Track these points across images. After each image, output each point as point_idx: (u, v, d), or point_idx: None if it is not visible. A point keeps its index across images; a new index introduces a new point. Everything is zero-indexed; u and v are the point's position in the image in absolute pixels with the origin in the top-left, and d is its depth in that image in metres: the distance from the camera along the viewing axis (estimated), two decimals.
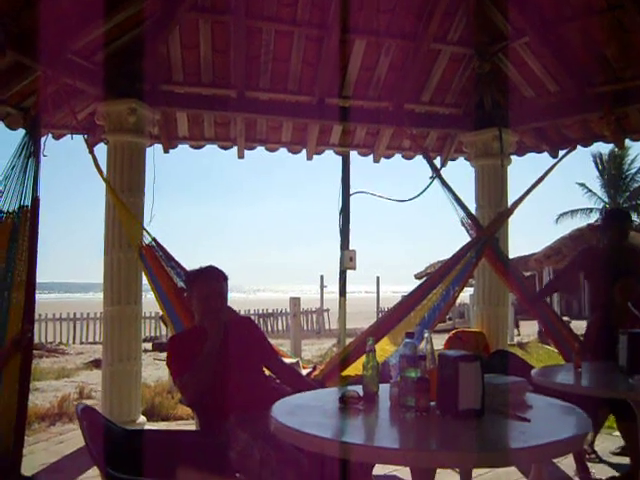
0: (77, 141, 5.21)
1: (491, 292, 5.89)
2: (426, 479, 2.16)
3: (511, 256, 6.02)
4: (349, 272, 6.80)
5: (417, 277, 22.90)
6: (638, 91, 5.25)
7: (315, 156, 6.67)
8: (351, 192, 6.48)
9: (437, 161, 6.64)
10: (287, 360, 3.98)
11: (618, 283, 4.12)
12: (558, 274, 4.91)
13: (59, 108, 4.91)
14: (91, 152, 4.71)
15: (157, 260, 4.58)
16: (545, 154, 6.47)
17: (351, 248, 6.71)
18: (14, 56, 4.15)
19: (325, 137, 6.55)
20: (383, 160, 6.86)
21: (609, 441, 4.51)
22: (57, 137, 5.67)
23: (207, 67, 5.56)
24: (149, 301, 5.55)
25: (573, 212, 27.42)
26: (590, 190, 27.65)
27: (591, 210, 27.19)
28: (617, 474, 3.97)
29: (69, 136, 5.32)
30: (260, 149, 6.54)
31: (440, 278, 5.12)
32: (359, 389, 2.41)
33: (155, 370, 9.25)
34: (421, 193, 5.65)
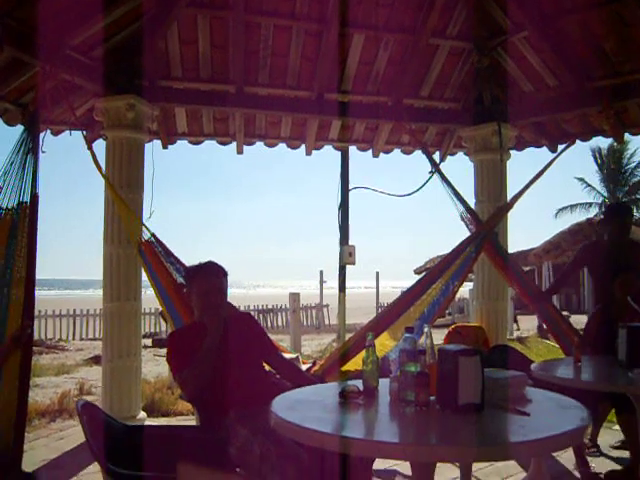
0: (76, 137, 5.24)
1: (490, 287, 5.89)
2: (426, 473, 2.16)
3: (510, 251, 6.02)
4: (348, 267, 6.81)
5: (416, 272, 22.91)
6: (637, 85, 5.24)
7: (314, 151, 6.67)
8: (350, 187, 6.48)
9: (436, 156, 6.64)
10: (287, 355, 3.99)
11: (618, 278, 4.13)
12: (564, 272, 4.89)
13: (57, 104, 4.89)
14: (90, 148, 4.70)
15: (156, 256, 4.57)
16: (544, 149, 6.47)
17: (350, 243, 6.72)
18: (12, 52, 4.14)
19: (324, 132, 6.55)
20: (382, 155, 6.87)
21: (609, 435, 4.52)
22: (56, 133, 5.68)
23: (206, 62, 5.55)
24: (149, 297, 5.56)
25: (572, 207, 27.46)
26: (589, 185, 27.70)
27: (590, 205, 27.24)
28: (617, 467, 3.98)
29: (68, 132, 5.32)
30: (259, 144, 6.55)
31: (439, 273, 5.12)
32: (359, 384, 2.41)
33: (155, 366, 9.25)
34: (420, 188, 5.64)
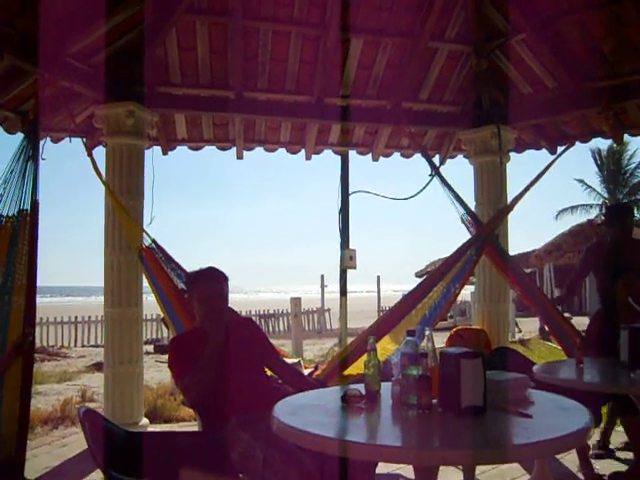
0: (76, 144, 5.26)
1: (492, 289, 5.89)
2: (429, 477, 2.16)
3: (511, 253, 6.02)
4: (350, 271, 6.80)
5: (418, 275, 22.90)
6: (636, 86, 5.24)
7: (314, 156, 6.67)
8: (350, 191, 6.47)
9: (436, 159, 6.65)
10: (289, 360, 3.98)
11: (620, 279, 4.12)
12: (578, 273, 4.77)
13: (57, 111, 4.91)
14: (90, 155, 4.72)
15: (157, 262, 4.58)
16: (544, 150, 6.47)
17: (351, 247, 6.71)
18: (12, 60, 4.15)
19: (324, 136, 6.55)
20: (382, 159, 6.87)
21: (613, 436, 4.50)
22: (55, 140, 5.68)
23: (205, 68, 5.56)
24: (150, 303, 5.56)
25: (573, 208, 27.41)
26: (589, 186, 27.66)
27: (591, 206, 27.18)
28: (621, 469, 3.97)
29: (68, 139, 5.34)
30: (259, 149, 6.54)
31: (441, 276, 5.12)
32: (361, 388, 2.41)
33: (157, 372, 9.24)
34: (420, 191, 5.65)
